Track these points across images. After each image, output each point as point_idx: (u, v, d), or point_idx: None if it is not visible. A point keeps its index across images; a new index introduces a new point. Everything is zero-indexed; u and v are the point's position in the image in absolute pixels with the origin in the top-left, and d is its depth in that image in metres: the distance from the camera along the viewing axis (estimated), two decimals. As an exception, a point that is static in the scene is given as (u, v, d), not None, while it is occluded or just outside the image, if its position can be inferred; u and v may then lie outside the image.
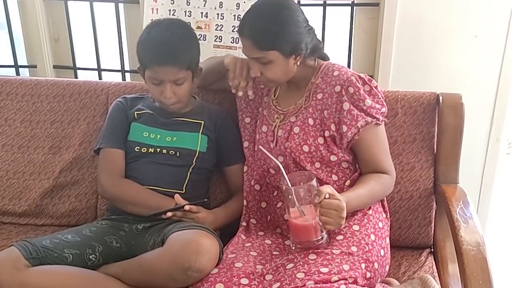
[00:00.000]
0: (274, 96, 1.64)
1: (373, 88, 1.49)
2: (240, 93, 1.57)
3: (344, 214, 1.31)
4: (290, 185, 1.36)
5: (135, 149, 1.65)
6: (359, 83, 1.47)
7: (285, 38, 1.42)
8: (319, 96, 1.52)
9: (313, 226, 1.35)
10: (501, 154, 2.16)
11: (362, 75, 1.50)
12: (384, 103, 1.51)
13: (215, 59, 1.75)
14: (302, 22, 1.46)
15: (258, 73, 1.48)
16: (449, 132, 1.67)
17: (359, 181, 1.49)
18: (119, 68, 2.36)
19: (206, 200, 1.61)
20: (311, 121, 1.51)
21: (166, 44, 1.54)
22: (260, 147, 1.55)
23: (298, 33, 1.44)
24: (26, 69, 2.44)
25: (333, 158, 1.49)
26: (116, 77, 2.39)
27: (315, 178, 1.36)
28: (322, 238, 1.37)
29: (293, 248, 1.41)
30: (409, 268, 1.61)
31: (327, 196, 1.30)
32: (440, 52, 2.07)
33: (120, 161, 1.66)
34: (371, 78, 1.50)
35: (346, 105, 1.46)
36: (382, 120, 1.49)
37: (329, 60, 1.61)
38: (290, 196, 1.35)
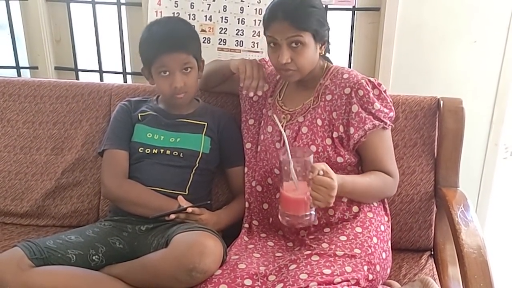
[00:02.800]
0: (279, 97, 1.65)
1: (382, 92, 1.50)
2: (251, 94, 1.58)
3: (334, 193, 1.32)
4: (290, 156, 1.36)
5: (139, 149, 1.66)
6: (369, 87, 1.49)
7: (318, 20, 1.46)
8: (328, 97, 1.53)
9: (303, 201, 1.35)
10: (499, 158, 2.18)
11: (372, 79, 1.52)
12: (392, 108, 1.52)
13: (219, 62, 1.77)
14: (325, 11, 1.52)
15: (289, 59, 1.48)
16: (449, 136, 1.68)
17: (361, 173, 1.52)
18: (121, 70, 2.37)
19: (209, 202, 1.63)
20: (319, 122, 1.52)
21: (171, 32, 1.59)
22: (274, 116, 1.57)
23: (324, 18, 1.50)
24: (27, 70, 2.44)
25: (339, 159, 1.51)
26: (118, 79, 2.40)
27: (312, 155, 1.37)
28: (310, 214, 1.37)
29: (281, 220, 1.40)
30: (410, 270, 1.62)
31: (321, 173, 1.31)
32: (439, 57, 2.09)
33: (124, 162, 1.66)
34: (380, 83, 1.52)
35: (355, 108, 1.48)
36: (389, 125, 1.51)
37: (332, 64, 1.63)
38: (286, 168, 1.36)
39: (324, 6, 1.55)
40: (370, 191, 1.51)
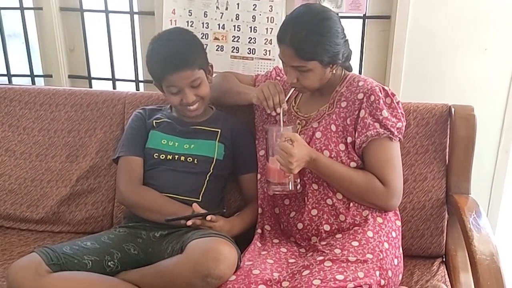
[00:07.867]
0: (294, 103, 1.66)
1: (394, 102, 1.51)
2: (279, 110, 1.55)
3: (293, 160, 1.39)
4: (272, 127, 1.51)
5: (154, 156, 1.68)
6: (381, 94, 1.50)
7: (325, 49, 1.45)
8: (343, 104, 1.55)
9: (277, 169, 1.45)
10: (510, 165, 2.18)
11: (386, 88, 1.53)
12: (402, 119, 1.52)
13: (235, 86, 1.76)
14: (341, 33, 1.49)
15: (295, 79, 1.51)
16: (461, 143, 1.69)
17: None
18: (133, 78, 2.39)
19: (224, 210, 1.65)
20: (333, 128, 1.54)
21: (172, 52, 1.59)
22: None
23: (337, 43, 1.47)
24: (41, 78, 2.48)
25: (352, 164, 1.52)
26: (130, 87, 2.42)
27: (287, 127, 1.49)
28: (288, 183, 1.48)
29: (268, 191, 1.55)
30: (422, 277, 1.63)
31: (290, 142, 1.40)
32: (450, 65, 2.09)
33: (139, 168, 1.69)
34: (394, 93, 1.52)
35: (362, 113, 1.50)
36: (396, 136, 1.50)
37: (352, 70, 1.65)
38: (267, 135, 1.51)
39: (338, 17, 1.52)
40: (348, 184, 1.49)
